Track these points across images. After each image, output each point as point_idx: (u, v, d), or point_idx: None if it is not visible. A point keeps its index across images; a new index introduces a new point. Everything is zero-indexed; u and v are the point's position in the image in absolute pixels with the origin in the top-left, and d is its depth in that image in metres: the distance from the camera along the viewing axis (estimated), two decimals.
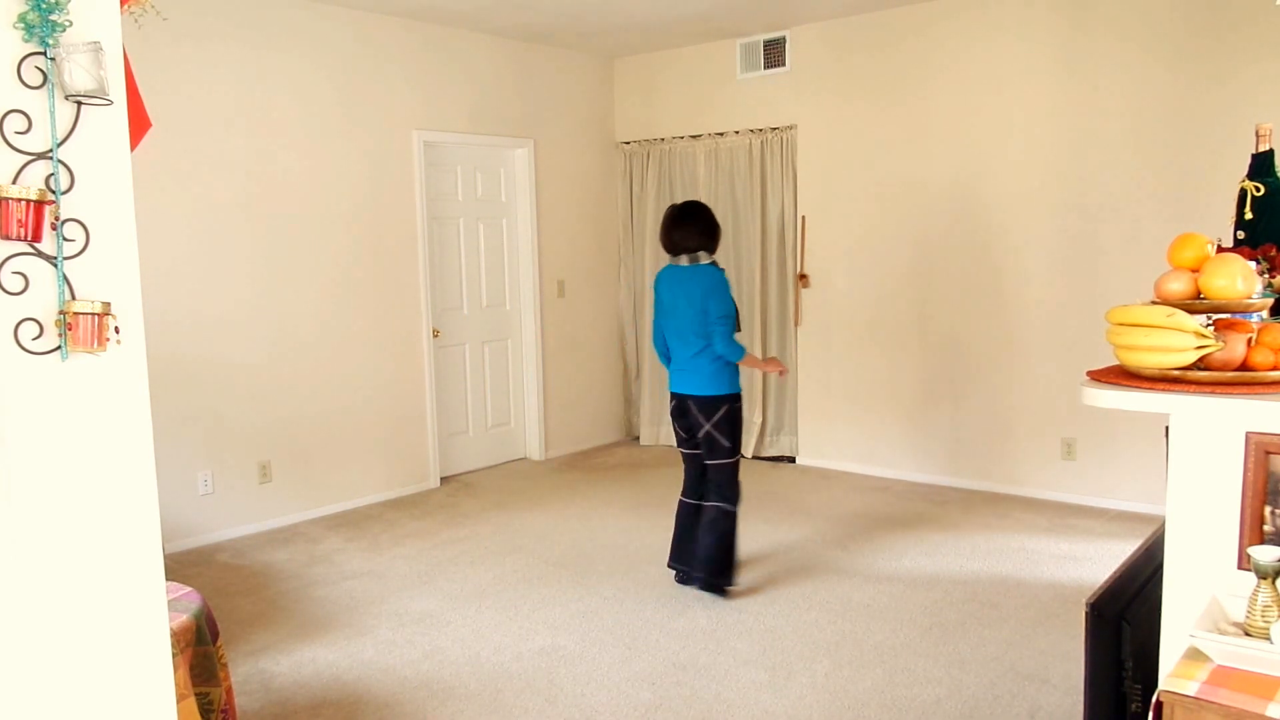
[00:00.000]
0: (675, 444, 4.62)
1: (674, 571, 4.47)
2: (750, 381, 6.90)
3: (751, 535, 5.16)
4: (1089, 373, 2.05)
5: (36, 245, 1.62)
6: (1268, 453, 1.81)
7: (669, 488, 6.16)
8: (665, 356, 4.40)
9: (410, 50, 6.03)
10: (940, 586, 4.38)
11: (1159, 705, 1.62)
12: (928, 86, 5.91)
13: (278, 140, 5.42)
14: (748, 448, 6.92)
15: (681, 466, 4.52)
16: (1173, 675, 1.65)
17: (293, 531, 5.40)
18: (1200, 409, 1.85)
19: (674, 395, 4.37)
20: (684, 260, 4.22)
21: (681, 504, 4.44)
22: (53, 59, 1.62)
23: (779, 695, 3.39)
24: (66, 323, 1.64)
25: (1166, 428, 2.09)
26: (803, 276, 6.57)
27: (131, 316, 1.76)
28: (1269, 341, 1.89)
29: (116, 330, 1.71)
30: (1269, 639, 1.66)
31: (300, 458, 5.61)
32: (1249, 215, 2.67)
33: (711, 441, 4.24)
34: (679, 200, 7.07)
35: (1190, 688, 1.61)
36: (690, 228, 4.19)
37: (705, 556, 4.26)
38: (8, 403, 1.62)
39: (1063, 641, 3.74)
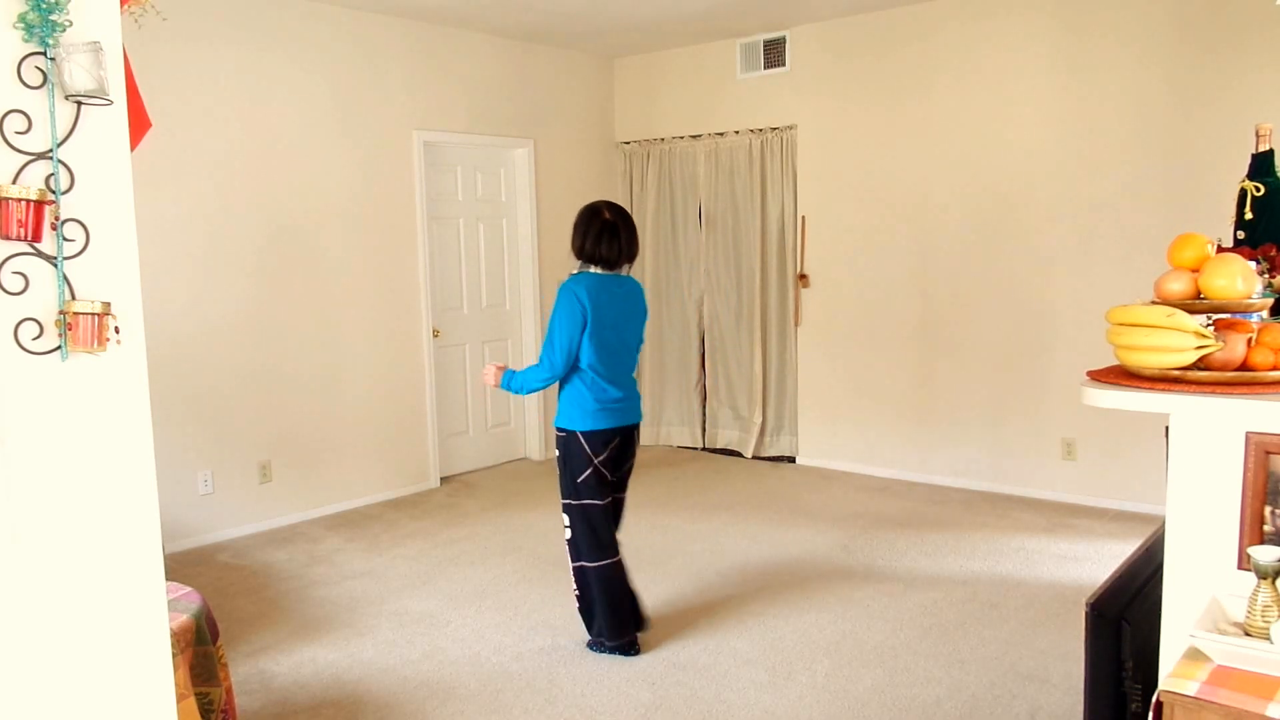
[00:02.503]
0: (598, 498, 3.63)
1: (634, 643, 3.74)
2: (750, 381, 6.90)
3: (752, 535, 5.16)
4: (1089, 373, 2.05)
5: (36, 245, 1.62)
6: (1268, 453, 1.81)
7: (669, 488, 6.17)
8: (604, 384, 3.60)
9: (409, 50, 6.03)
10: (940, 586, 4.38)
11: (1159, 705, 1.62)
12: (928, 87, 5.91)
13: (278, 140, 5.42)
14: (748, 447, 6.92)
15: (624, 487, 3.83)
16: (1173, 675, 1.65)
17: (293, 531, 5.40)
18: (1200, 409, 1.85)
19: (620, 430, 3.64)
20: (624, 270, 3.69)
21: (618, 565, 3.69)
22: (53, 59, 1.62)
23: (779, 695, 3.39)
24: (66, 323, 1.64)
25: (1166, 428, 2.09)
26: (803, 276, 6.57)
27: (131, 316, 1.76)
28: (1269, 341, 1.89)
29: (116, 330, 1.71)
30: (1269, 639, 1.66)
31: (300, 458, 5.61)
32: (1249, 215, 2.67)
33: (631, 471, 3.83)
34: (683, 201, 7.13)
35: (1190, 688, 1.61)
36: (634, 233, 3.68)
37: (638, 607, 3.83)
38: (8, 403, 1.61)
39: (1063, 641, 3.74)
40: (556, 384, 3.67)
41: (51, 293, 1.64)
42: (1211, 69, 4.98)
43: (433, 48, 6.15)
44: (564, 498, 3.68)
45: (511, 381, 3.67)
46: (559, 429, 3.67)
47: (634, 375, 3.76)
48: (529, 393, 3.67)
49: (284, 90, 5.43)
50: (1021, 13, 5.54)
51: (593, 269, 3.64)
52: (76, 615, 1.72)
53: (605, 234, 3.60)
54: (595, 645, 3.78)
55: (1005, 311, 5.76)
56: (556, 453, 3.70)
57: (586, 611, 3.76)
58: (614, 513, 3.77)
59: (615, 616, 3.68)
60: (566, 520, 3.69)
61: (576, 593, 3.75)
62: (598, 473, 3.62)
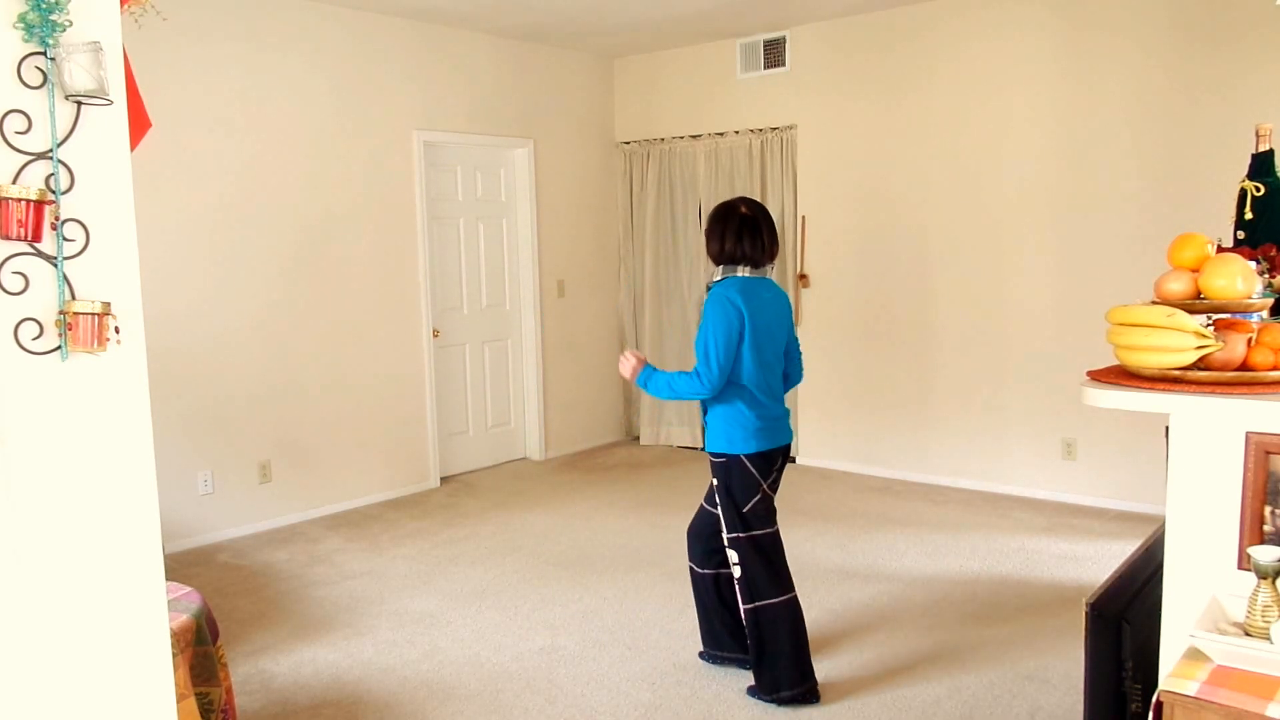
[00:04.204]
0: (769, 525, 3.29)
1: (816, 687, 3.33)
2: None
3: None
4: (1089, 373, 2.05)
5: (36, 245, 1.62)
6: (1268, 453, 1.81)
7: (669, 488, 6.16)
8: (763, 399, 3.27)
9: (410, 50, 6.03)
10: (940, 586, 4.37)
11: (1159, 705, 1.62)
12: (927, 86, 5.91)
13: (278, 140, 5.42)
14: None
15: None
16: (1173, 675, 1.65)
17: (293, 531, 5.40)
18: (1200, 409, 1.85)
19: (783, 449, 3.31)
20: (769, 271, 3.36)
21: (796, 600, 3.32)
22: (53, 59, 1.62)
23: None
24: (66, 323, 1.64)
25: (1166, 428, 2.09)
26: (803, 276, 6.57)
27: (131, 316, 1.76)
28: (1269, 341, 1.89)
29: (116, 330, 1.71)
30: (1269, 639, 1.66)
31: (300, 458, 5.61)
32: (1249, 215, 2.67)
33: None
34: (683, 201, 7.12)
35: (1190, 688, 1.61)
36: (773, 229, 3.32)
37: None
38: (8, 403, 1.61)
39: (1063, 641, 3.74)
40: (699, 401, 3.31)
41: (51, 293, 1.64)
42: (1212, 68, 4.98)
43: (433, 48, 6.15)
44: (729, 531, 3.26)
45: (651, 379, 3.27)
46: (716, 454, 3.26)
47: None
48: (669, 398, 3.24)
49: (284, 90, 5.43)
50: (1021, 14, 5.54)
51: (740, 271, 3.27)
52: (76, 615, 1.72)
53: (745, 230, 3.25)
54: (762, 694, 3.33)
55: (1005, 310, 5.76)
56: (714, 481, 3.31)
57: (761, 659, 3.29)
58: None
59: (798, 657, 3.27)
60: (735, 557, 3.26)
61: (753, 642, 3.30)
62: (765, 499, 3.26)
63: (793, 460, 6.74)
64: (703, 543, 3.49)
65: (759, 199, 6.68)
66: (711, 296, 3.24)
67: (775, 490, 3.36)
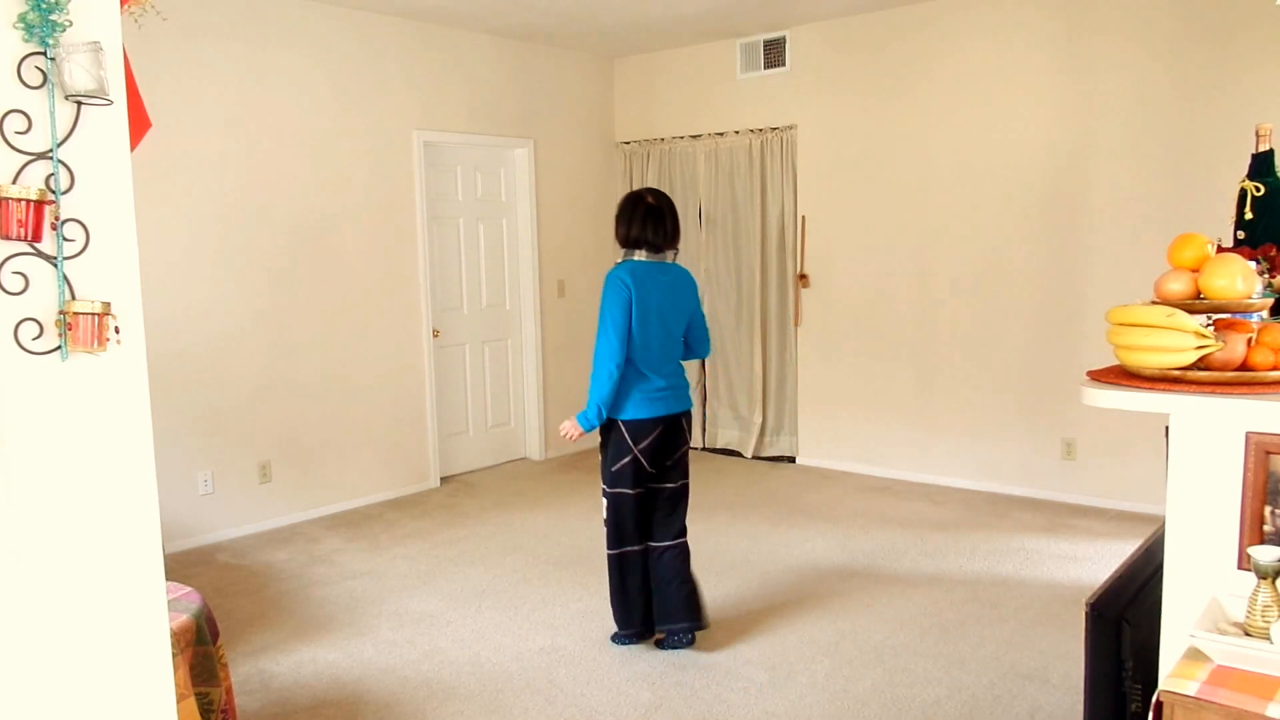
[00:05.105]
0: (630, 487, 3.63)
1: (661, 634, 3.77)
2: (750, 381, 6.90)
3: (752, 536, 5.16)
4: (1089, 373, 2.05)
5: (36, 245, 1.62)
6: (1268, 453, 1.81)
7: None
8: (648, 373, 3.60)
9: (410, 50, 6.03)
10: (940, 586, 4.38)
11: (1159, 705, 1.62)
12: (927, 86, 5.91)
13: (278, 140, 5.41)
14: (748, 447, 6.92)
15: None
16: (1173, 675, 1.65)
17: (293, 531, 5.40)
18: (1200, 409, 1.85)
19: (663, 419, 3.61)
20: (669, 257, 3.67)
21: (638, 555, 3.73)
22: (53, 59, 1.62)
23: (779, 695, 3.39)
24: (66, 323, 1.64)
25: (1166, 428, 2.09)
26: (803, 276, 6.57)
27: (131, 316, 1.76)
28: (1269, 341, 1.89)
29: (116, 330, 1.71)
30: (1269, 639, 1.66)
31: (300, 458, 5.61)
32: (1249, 215, 2.67)
33: (687, 459, 3.80)
34: (683, 201, 7.10)
35: (1190, 688, 1.61)
36: (677, 217, 3.68)
37: (695, 597, 3.76)
38: (8, 403, 1.61)
39: (1063, 641, 3.74)
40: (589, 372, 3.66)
41: (51, 293, 1.64)
42: (1212, 68, 4.98)
43: (433, 47, 6.15)
44: (603, 483, 3.70)
45: (587, 412, 3.56)
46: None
47: (681, 364, 3.73)
48: (604, 400, 3.51)
49: (284, 90, 5.43)
50: (1022, 13, 5.54)
51: (637, 255, 3.60)
52: (76, 615, 1.71)
53: (650, 218, 3.59)
54: (615, 637, 3.85)
55: (1005, 310, 5.76)
56: (599, 439, 3.69)
57: (611, 599, 3.80)
58: (673, 502, 3.74)
59: (624, 604, 3.75)
60: (604, 505, 3.71)
61: (613, 583, 3.78)
62: (636, 462, 3.61)
63: (792, 460, 6.75)
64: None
65: (759, 199, 6.69)
66: (606, 278, 3.57)
67: (667, 455, 3.67)
